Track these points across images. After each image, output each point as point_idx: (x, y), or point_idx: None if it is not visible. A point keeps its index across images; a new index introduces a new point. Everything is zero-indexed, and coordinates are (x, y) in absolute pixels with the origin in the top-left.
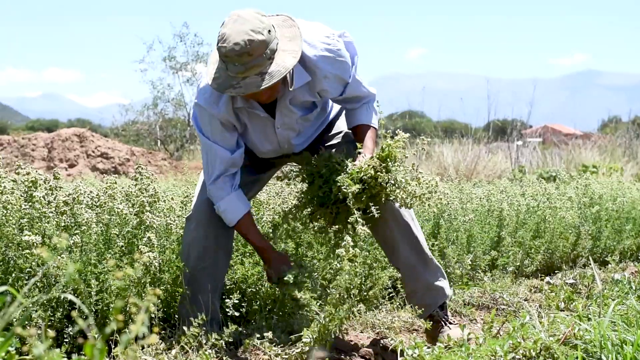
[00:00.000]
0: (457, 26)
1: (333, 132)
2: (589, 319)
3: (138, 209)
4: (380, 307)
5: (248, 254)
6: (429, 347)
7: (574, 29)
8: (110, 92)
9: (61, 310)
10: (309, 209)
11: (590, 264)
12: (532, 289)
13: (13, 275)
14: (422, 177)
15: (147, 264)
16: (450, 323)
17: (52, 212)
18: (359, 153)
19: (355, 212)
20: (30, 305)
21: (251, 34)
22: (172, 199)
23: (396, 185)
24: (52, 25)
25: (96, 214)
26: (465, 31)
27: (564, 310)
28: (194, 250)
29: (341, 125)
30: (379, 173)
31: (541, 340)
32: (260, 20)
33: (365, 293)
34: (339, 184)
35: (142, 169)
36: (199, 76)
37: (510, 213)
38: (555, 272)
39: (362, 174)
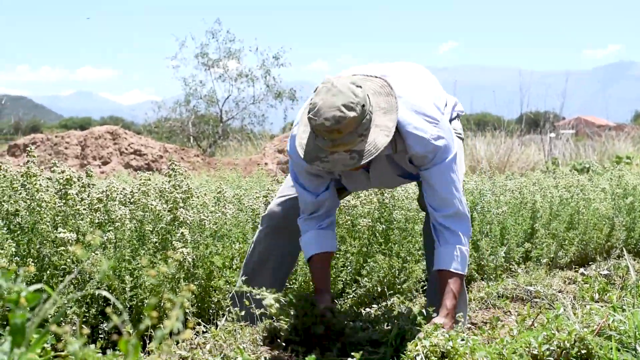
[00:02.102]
0: (489, 19)
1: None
2: (624, 310)
3: (172, 205)
4: (414, 299)
5: None
6: (463, 340)
7: (607, 20)
8: (143, 90)
9: (95, 306)
10: None
11: (624, 255)
12: (566, 281)
13: (48, 272)
14: None
15: (181, 260)
16: None
17: (85, 210)
18: (434, 314)
19: None
20: (65, 302)
21: (343, 110)
22: (205, 194)
23: None
24: (86, 24)
25: (130, 210)
26: (497, 24)
27: (598, 302)
28: (259, 250)
29: None
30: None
31: (575, 332)
32: (355, 94)
33: (399, 286)
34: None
35: (175, 165)
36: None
37: (544, 205)
38: (589, 263)
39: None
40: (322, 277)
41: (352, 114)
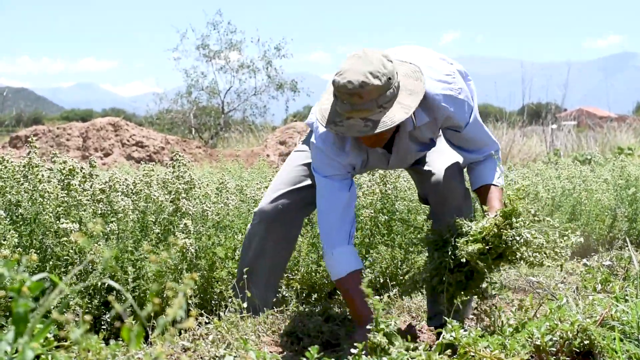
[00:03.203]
0: (491, 10)
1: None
2: (626, 301)
3: (174, 196)
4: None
5: None
6: (465, 330)
7: (608, 11)
8: (145, 81)
9: (98, 297)
10: (437, 278)
11: (627, 246)
12: (569, 272)
13: (50, 263)
14: (548, 230)
15: (184, 250)
16: None
17: (88, 200)
18: (486, 214)
19: (486, 273)
20: (68, 294)
21: (368, 77)
22: (208, 185)
23: (522, 242)
24: (86, 16)
25: (132, 201)
26: (499, 15)
27: (600, 292)
28: (254, 245)
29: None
30: (502, 230)
31: (578, 322)
32: (384, 65)
33: (401, 277)
34: (459, 245)
35: (178, 156)
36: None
37: (546, 196)
38: (592, 254)
39: (484, 233)
40: (363, 300)
41: (376, 82)
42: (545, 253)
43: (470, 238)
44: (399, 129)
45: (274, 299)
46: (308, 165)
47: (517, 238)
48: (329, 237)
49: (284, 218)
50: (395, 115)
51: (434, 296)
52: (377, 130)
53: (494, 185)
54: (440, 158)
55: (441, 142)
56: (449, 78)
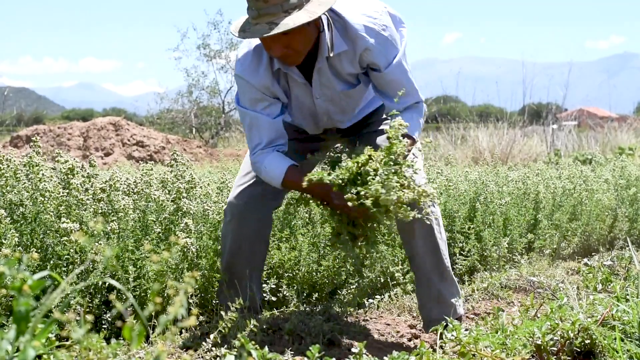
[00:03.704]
0: (493, 10)
1: (382, 117)
2: (627, 300)
3: (175, 195)
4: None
5: (284, 239)
6: (466, 330)
7: (610, 12)
8: (146, 81)
9: (99, 297)
10: (336, 237)
11: (627, 246)
12: (569, 271)
13: (51, 262)
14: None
15: (185, 250)
16: None
17: (89, 199)
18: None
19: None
20: (69, 293)
21: None
22: (209, 185)
23: (378, 180)
24: (88, 16)
25: (133, 200)
26: (501, 15)
27: (601, 292)
28: (229, 242)
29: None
30: (362, 168)
31: (579, 322)
32: None
33: (402, 276)
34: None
35: (178, 155)
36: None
37: (547, 196)
38: (593, 254)
39: (352, 171)
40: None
41: None
42: (402, 190)
43: (344, 170)
44: (317, 55)
45: (261, 298)
46: None
47: (372, 174)
48: (257, 158)
49: (253, 210)
50: (299, 17)
51: (423, 300)
52: (278, 30)
53: (409, 136)
54: None
55: None
56: (375, 14)
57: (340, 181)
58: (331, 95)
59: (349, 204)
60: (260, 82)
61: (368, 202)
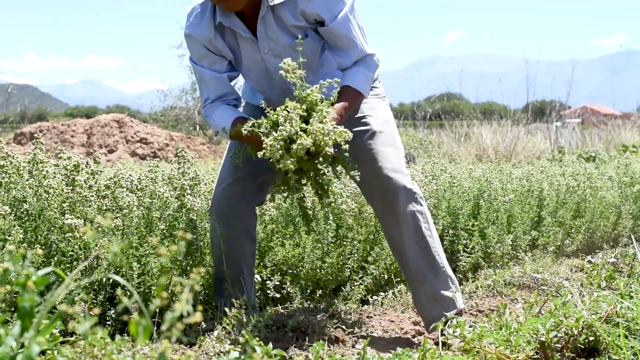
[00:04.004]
0: (496, 7)
1: (357, 115)
2: (631, 297)
3: (179, 192)
4: None
5: (288, 235)
6: (470, 326)
7: (613, 9)
8: (149, 78)
9: (103, 293)
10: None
11: (631, 243)
12: (573, 269)
13: (55, 258)
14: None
15: (190, 246)
16: None
17: (93, 196)
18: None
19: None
20: (73, 289)
21: None
22: (213, 181)
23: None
24: (91, 13)
25: (137, 197)
26: (504, 12)
27: (605, 289)
28: (217, 243)
29: (365, 109)
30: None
31: (583, 319)
32: None
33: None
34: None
35: (184, 152)
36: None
37: (551, 193)
38: (596, 251)
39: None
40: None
41: None
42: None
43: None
44: (260, 5)
45: (255, 295)
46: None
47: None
48: (207, 112)
49: (235, 210)
50: None
51: (421, 300)
52: None
53: (351, 87)
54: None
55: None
56: None
57: (265, 129)
58: (278, 50)
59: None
60: (202, 35)
61: (290, 162)
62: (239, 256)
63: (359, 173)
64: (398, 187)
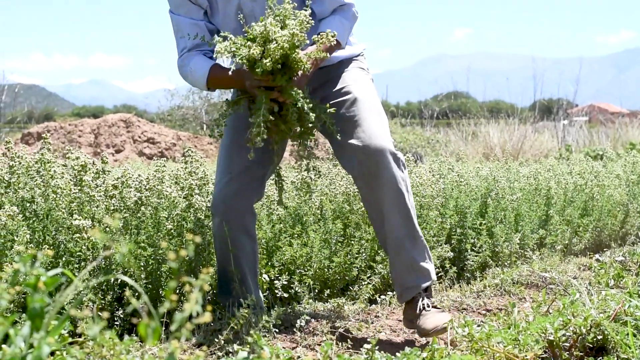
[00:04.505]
0: (503, 5)
1: (338, 86)
2: (639, 296)
3: (187, 192)
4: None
5: (296, 235)
6: (479, 326)
7: (620, 6)
8: (157, 77)
9: (111, 293)
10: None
11: (639, 241)
12: (581, 267)
13: (63, 259)
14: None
15: (197, 245)
16: (435, 307)
17: (100, 196)
18: None
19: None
20: (81, 290)
21: None
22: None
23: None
24: (98, 12)
25: (145, 197)
26: (511, 10)
27: (613, 288)
28: (218, 243)
29: (347, 80)
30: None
31: (591, 317)
32: None
33: None
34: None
35: (191, 151)
36: None
37: (558, 191)
38: (604, 250)
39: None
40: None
41: None
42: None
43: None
44: None
45: (259, 294)
46: (237, 143)
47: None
48: (183, 61)
49: (233, 209)
50: None
51: (396, 269)
52: None
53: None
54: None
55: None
56: None
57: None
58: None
59: (257, 72)
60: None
61: (268, 61)
62: (239, 255)
63: (340, 135)
64: (383, 150)
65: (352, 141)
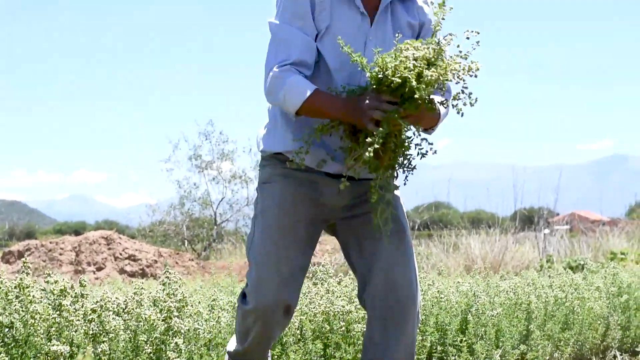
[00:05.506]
0: (482, 116)
1: None
2: None
3: (166, 314)
4: None
5: (276, 356)
6: None
7: (600, 115)
8: (138, 192)
9: None
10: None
11: (618, 357)
12: None
13: None
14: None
15: None
16: None
17: (79, 321)
18: None
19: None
20: None
21: None
22: (200, 303)
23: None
24: (80, 129)
25: (124, 320)
26: (490, 121)
27: None
28: (252, 339)
29: (394, 202)
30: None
31: None
32: None
33: None
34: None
35: (169, 273)
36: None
37: (539, 305)
38: None
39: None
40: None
41: None
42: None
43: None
44: None
45: None
46: (287, 228)
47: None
48: (279, 74)
49: (280, 306)
50: None
51: None
52: None
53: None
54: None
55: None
56: None
57: (376, 73)
58: (384, 45)
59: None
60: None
61: (412, 79)
62: (268, 346)
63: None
64: (415, 302)
65: (391, 276)
